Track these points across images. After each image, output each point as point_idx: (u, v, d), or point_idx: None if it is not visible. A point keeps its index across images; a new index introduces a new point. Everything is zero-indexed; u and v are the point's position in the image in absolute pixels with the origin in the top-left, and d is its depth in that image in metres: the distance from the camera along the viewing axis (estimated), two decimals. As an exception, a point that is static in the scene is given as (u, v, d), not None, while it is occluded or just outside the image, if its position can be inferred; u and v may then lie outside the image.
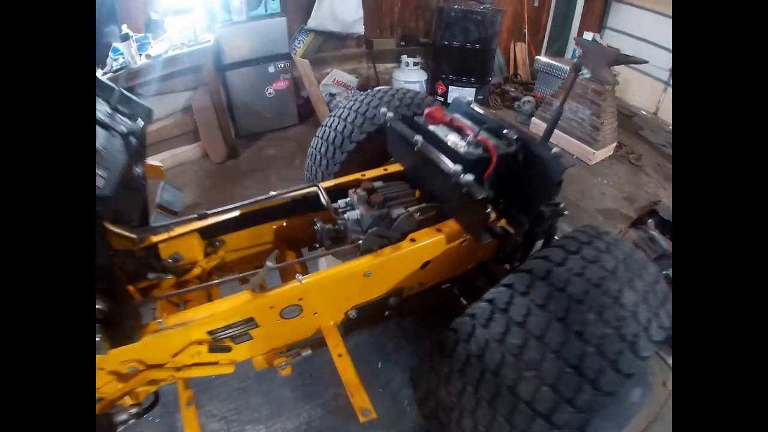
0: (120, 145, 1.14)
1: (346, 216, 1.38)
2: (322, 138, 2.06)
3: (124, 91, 1.31)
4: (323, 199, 1.41)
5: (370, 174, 1.66)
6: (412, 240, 1.38)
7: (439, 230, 1.43)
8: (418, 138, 1.48)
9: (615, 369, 0.98)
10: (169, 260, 1.48)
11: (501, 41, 5.86)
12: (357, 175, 1.64)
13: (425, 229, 1.43)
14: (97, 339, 1.03)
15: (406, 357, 2.20)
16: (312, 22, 4.55)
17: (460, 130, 1.53)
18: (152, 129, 3.59)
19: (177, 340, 1.21)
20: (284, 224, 1.67)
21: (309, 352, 1.52)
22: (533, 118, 4.80)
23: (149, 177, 1.46)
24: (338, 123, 2.00)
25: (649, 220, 3.24)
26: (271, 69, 4.07)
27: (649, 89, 5.51)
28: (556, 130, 4.51)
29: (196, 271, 1.56)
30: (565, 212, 1.59)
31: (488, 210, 1.25)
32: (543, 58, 5.31)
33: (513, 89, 5.57)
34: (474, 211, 1.29)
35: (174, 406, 1.90)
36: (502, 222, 1.49)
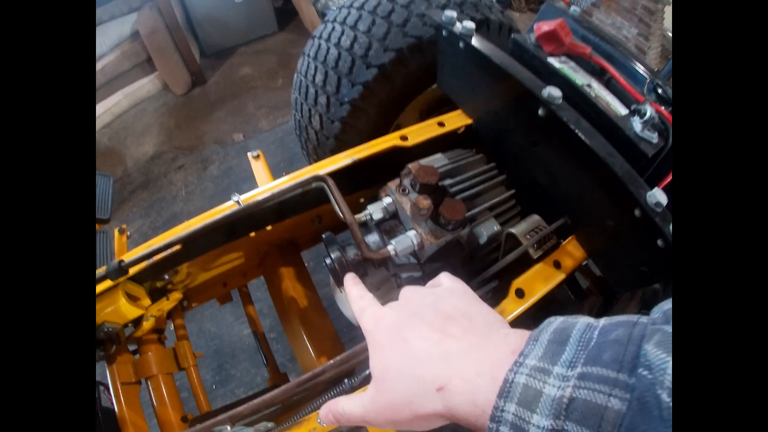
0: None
1: (392, 244, 0.67)
2: (316, 59, 1.24)
3: None
4: (342, 213, 0.68)
5: (416, 133, 0.90)
6: (520, 294, 0.72)
7: (557, 264, 0.76)
8: (554, 93, 0.71)
9: None
10: (100, 333, 0.88)
11: None
12: (392, 138, 0.88)
13: (537, 266, 0.76)
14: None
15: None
16: None
17: (602, 74, 0.78)
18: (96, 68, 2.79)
19: None
20: (268, 229, 0.97)
21: None
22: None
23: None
24: (342, 34, 1.17)
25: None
26: (236, -36, 3.00)
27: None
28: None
29: (147, 324, 0.95)
30: None
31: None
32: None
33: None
34: (649, 257, 0.62)
35: None
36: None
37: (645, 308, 1.11)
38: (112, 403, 0.95)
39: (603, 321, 0.29)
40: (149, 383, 1.02)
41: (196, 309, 1.88)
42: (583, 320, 0.30)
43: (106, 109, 2.93)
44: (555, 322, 0.31)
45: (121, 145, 2.83)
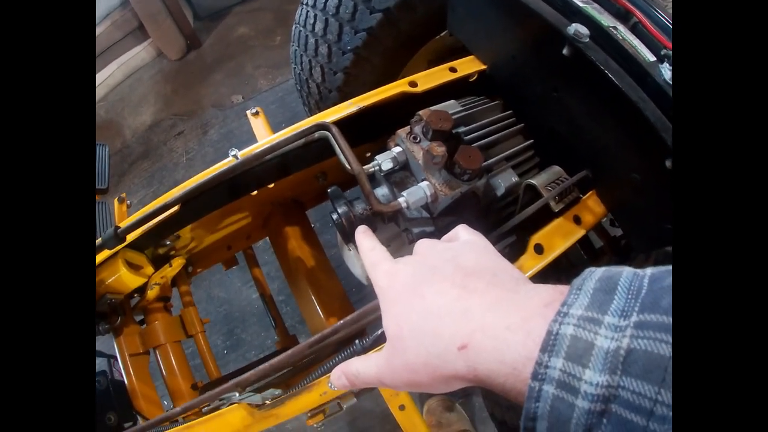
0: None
1: (403, 197, 0.62)
2: (315, 6, 1.15)
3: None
4: (348, 163, 0.63)
5: (426, 79, 0.83)
6: (539, 249, 0.68)
7: (577, 219, 0.72)
8: (581, 30, 0.64)
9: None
10: (104, 305, 0.89)
11: None
12: (401, 85, 0.81)
13: (557, 221, 0.71)
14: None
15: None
16: None
17: (626, 18, 0.72)
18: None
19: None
20: (270, 187, 0.92)
21: (354, 400, 0.94)
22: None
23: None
24: (342, -25, 1.08)
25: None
26: None
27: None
28: None
29: (152, 293, 0.94)
30: None
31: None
32: None
33: None
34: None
35: None
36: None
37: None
38: (122, 376, 0.93)
39: (649, 270, 0.25)
40: (157, 352, 1.00)
41: (204, 275, 1.88)
42: (628, 269, 0.26)
43: (100, 81, 2.85)
44: (597, 272, 0.27)
45: (118, 116, 2.76)
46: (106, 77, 2.87)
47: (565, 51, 0.65)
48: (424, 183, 0.62)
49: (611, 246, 1.10)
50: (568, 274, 1.10)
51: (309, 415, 0.95)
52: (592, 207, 0.76)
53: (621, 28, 0.77)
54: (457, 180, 0.62)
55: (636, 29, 0.80)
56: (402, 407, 0.89)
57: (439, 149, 0.59)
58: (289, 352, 0.60)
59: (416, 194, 0.62)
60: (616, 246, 1.10)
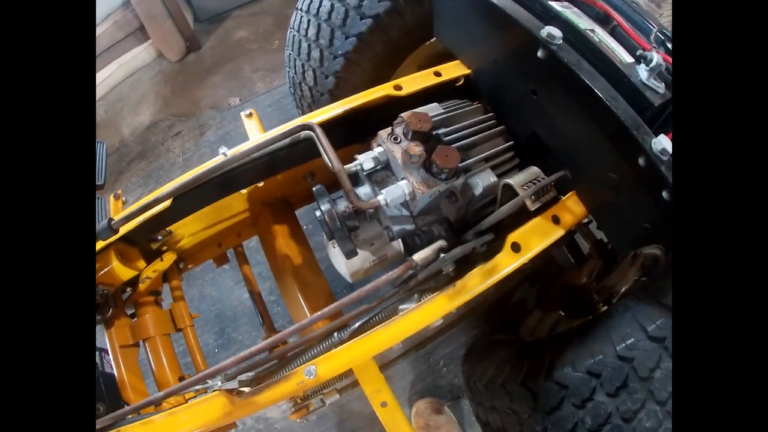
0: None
1: (382, 194, 0.64)
2: (308, 12, 1.18)
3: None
4: (330, 161, 0.65)
5: (411, 83, 0.86)
6: (516, 248, 0.69)
7: (556, 219, 0.74)
8: (553, 32, 0.67)
9: None
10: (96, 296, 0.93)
11: None
12: (386, 87, 0.84)
13: (534, 220, 0.73)
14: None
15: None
16: None
17: (606, 22, 0.76)
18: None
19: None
20: (260, 185, 0.95)
21: (336, 397, 0.96)
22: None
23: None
24: (335, -18, 1.11)
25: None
26: None
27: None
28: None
29: (143, 286, 0.98)
30: None
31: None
32: None
33: None
34: (654, 211, 0.62)
35: None
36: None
37: (645, 275, 1.09)
38: (113, 368, 0.95)
39: None
40: (147, 345, 1.02)
41: (197, 274, 1.89)
42: None
43: (100, 81, 2.88)
44: None
45: (117, 116, 2.79)
46: (106, 77, 2.91)
47: (539, 54, 0.68)
48: (403, 182, 0.65)
49: (597, 249, 1.12)
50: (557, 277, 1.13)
51: (292, 409, 0.97)
52: (572, 207, 0.78)
53: (599, 30, 0.80)
54: (435, 179, 0.65)
55: (615, 32, 0.83)
56: (384, 404, 0.90)
57: (417, 149, 0.62)
58: (268, 340, 0.62)
59: (394, 192, 0.64)
60: (603, 250, 1.12)
